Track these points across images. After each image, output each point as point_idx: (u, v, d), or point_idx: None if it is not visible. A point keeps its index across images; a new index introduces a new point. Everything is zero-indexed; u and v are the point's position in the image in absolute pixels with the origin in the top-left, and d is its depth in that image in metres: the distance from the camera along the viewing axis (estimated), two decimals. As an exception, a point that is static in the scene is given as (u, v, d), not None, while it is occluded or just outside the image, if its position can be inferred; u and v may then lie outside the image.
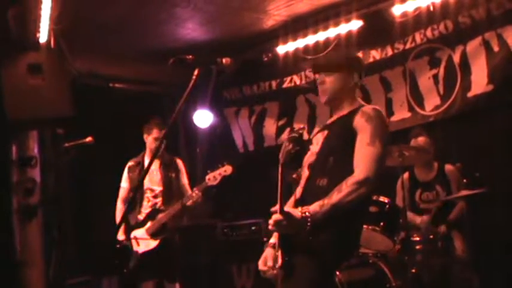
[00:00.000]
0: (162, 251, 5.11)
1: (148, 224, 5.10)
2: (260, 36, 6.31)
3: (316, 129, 3.22)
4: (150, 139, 5.29)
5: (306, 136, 2.99)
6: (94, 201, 6.28)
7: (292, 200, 2.90)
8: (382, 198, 4.51)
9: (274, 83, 6.94)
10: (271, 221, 2.62)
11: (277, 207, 2.59)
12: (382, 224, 4.38)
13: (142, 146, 5.36)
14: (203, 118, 6.28)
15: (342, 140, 2.75)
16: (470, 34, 5.23)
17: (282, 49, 6.29)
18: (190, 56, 2.49)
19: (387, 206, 4.48)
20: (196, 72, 2.46)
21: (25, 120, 4.30)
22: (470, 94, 5.25)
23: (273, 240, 2.83)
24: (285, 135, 2.52)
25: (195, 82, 2.45)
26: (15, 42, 4.33)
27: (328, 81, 2.90)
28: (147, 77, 7.25)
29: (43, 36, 4.49)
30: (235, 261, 6.13)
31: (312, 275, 2.62)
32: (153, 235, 5.07)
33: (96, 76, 6.73)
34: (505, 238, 4.77)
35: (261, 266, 2.80)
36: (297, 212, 2.57)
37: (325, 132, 2.90)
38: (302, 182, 2.86)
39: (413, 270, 4.44)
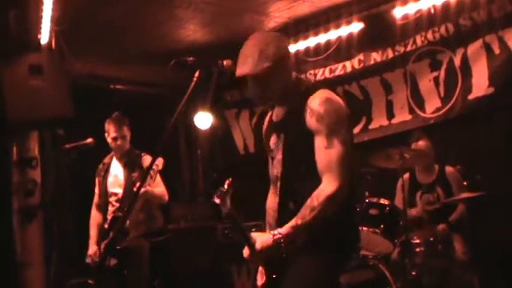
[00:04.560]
0: (130, 261, 4.63)
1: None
2: (261, 38, 6.30)
3: (264, 124, 2.92)
4: (109, 140, 4.82)
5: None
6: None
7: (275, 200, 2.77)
8: (382, 201, 4.51)
9: (274, 85, 6.92)
10: (245, 255, 2.61)
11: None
12: (382, 226, 4.39)
13: (142, 148, 5.28)
14: (204, 120, 6.26)
15: (305, 147, 2.53)
16: (471, 37, 5.23)
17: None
18: (191, 58, 2.48)
19: (387, 208, 4.49)
20: (197, 74, 2.45)
21: (25, 121, 4.30)
22: (471, 97, 5.25)
23: None
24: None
25: (195, 84, 2.44)
26: (16, 43, 4.33)
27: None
28: (148, 78, 7.25)
29: (44, 37, 4.50)
30: (235, 262, 6.13)
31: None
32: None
33: (97, 78, 6.74)
34: (505, 240, 4.76)
35: (258, 281, 2.77)
36: (268, 238, 2.52)
37: (282, 136, 2.66)
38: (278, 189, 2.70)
39: (414, 273, 4.44)
